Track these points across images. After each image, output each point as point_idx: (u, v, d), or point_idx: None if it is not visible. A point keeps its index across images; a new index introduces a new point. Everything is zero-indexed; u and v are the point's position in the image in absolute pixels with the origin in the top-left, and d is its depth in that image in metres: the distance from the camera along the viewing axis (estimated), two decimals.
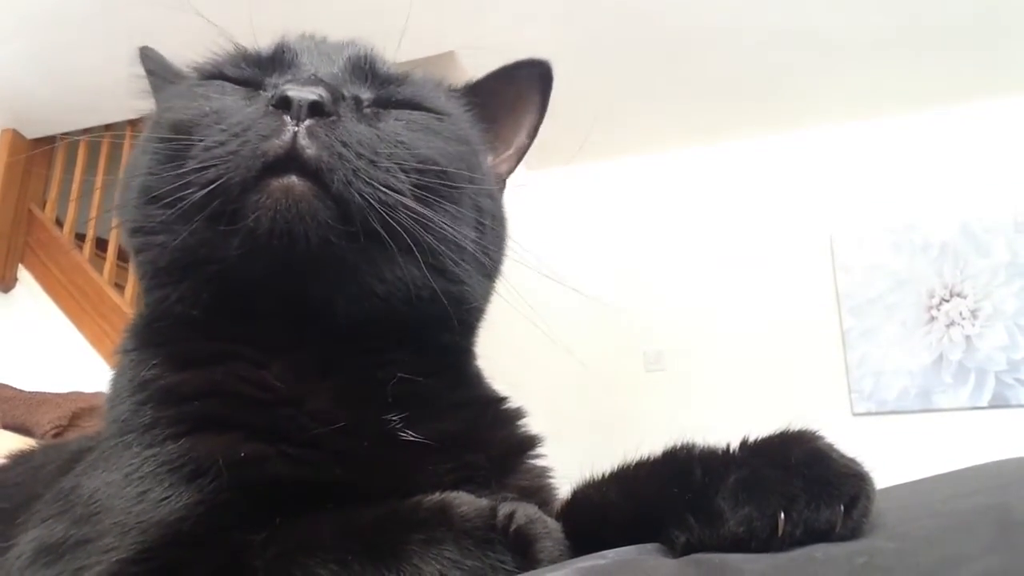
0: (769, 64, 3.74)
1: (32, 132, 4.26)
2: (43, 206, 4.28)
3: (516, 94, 0.81)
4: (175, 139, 0.59)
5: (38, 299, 4.02)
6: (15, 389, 2.44)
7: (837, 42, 3.55)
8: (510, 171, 0.81)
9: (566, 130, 4.05)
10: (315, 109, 0.57)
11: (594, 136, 4.23)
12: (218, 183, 0.55)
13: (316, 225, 0.56)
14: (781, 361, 4.06)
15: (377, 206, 0.57)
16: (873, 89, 3.96)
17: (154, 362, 0.61)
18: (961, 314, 3.94)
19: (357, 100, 0.64)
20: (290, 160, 0.56)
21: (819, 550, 0.40)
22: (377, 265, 0.59)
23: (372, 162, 0.58)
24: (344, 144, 0.57)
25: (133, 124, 4.05)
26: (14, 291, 4.14)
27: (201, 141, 0.58)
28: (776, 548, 0.41)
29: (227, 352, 0.60)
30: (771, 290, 4.23)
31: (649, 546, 0.46)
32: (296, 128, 0.56)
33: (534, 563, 0.47)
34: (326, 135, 0.56)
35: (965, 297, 3.95)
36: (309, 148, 0.56)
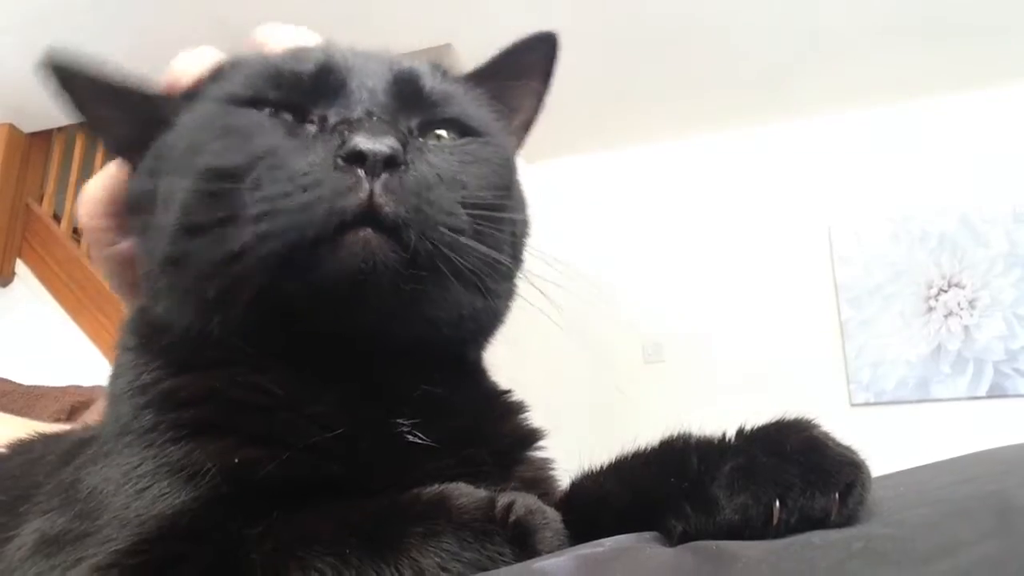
0: (767, 54, 3.74)
1: (29, 126, 4.25)
2: (40, 200, 4.28)
3: (523, 70, 0.80)
4: (223, 183, 0.58)
5: (36, 293, 4.02)
6: (13, 383, 2.44)
7: (836, 32, 3.54)
8: (520, 144, 0.81)
9: (563, 122, 4.06)
10: (389, 163, 0.56)
11: (591, 128, 4.23)
12: (287, 236, 0.54)
13: (388, 274, 0.55)
14: (779, 352, 4.07)
15: (445, 250, 0.57)
16: (872, 79, 3.96)
17: (155, 365, 0.61)
18: (959, 304, 3.95)
19: (410, 131, 0.63)
20: (367, 217, 0.55)
21: (816, 535, 0.40)
22: (433, 293, 0.60)
23: (441, 209, 0.58)
24: (417, 195, 0.56)
25: None
26: (12, 285, 4.14)
27: (258, 187, 0.56)
28: (772, 536, 0.41)
29: (226, 358, 0.60)
30: (769, 281, 4.24)
31: (647, 534, 0.46)
32: (372, 185, 0.55)
33: (534, 554, 0.47)
34: (401, 189, 0.56)
35: (963, 287, 3.96)
36: (387, 205, 0.55)
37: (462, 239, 0.58)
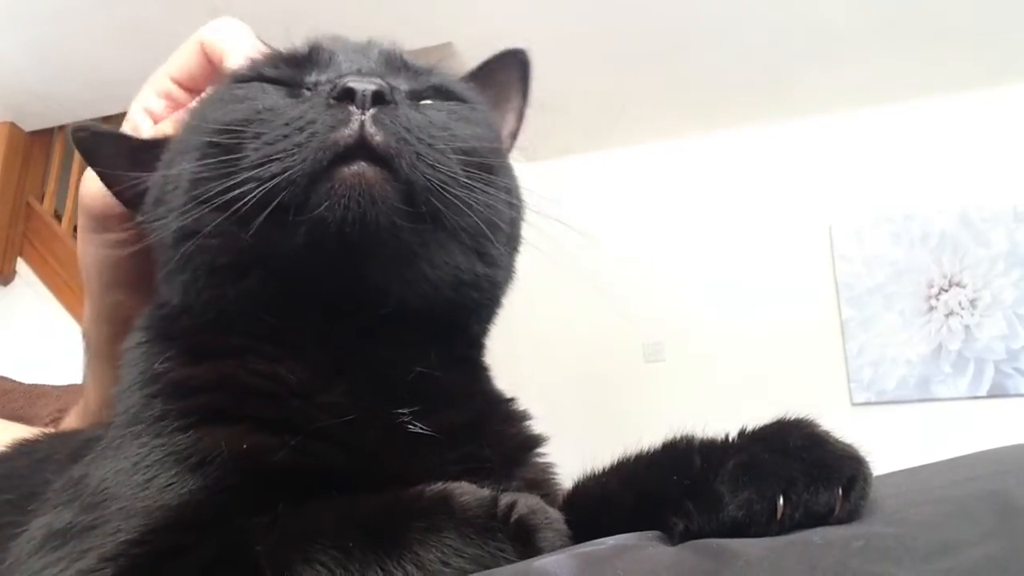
0: (769, 54, 3.74)
1: (30, 125, 4.26)
2: (41, 199, 4.28)
3: (503, 81, 0.83)
4: (226, 138, 0.60)
5: (36, 291, 4.03)
6: (13, 381, 2.44)
7: (837, 32, 3.54)
8: (508, 150, 0.83)
9: (563, 121, 4.06)
10: (378, 98, 0.58)
11: (590, 128, 4.23)
12: (283, 175, 0.56)
13: (387, 208, 0.57)
14: (780, 351, 4.07)
15: (438, 187, 0.59)
16: (873, 78, 3.96)
17: (167, 355, 0.62)
18: (960, 304, 3.95)
19: (398, 90, 0.65)
20: (359, 148, 0.57)
21: (817, 534, 0.40)
22: (432, 249, 0.61)
23: (430, 146, 0.60)
24: (406, 129, 0.59)
25: None
26: (12, 284, 4.14)
27: (258, 137, 0.59)
28: (775, 532, 0.42)
29: (241, 347, 0.61)
30: (770, 280, 4.24)
31: (648, 533, 0.46)
32: (363, 117, 0.57)
33: (536, 553, 0.47)
34: (391, 122, 0.58)
35: (964, 287, 3.96)
36: (377, 135, 0.57)
37: (456, 180, 0.60)
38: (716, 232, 4.42)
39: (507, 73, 0.83)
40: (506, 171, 0.70)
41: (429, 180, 0.58)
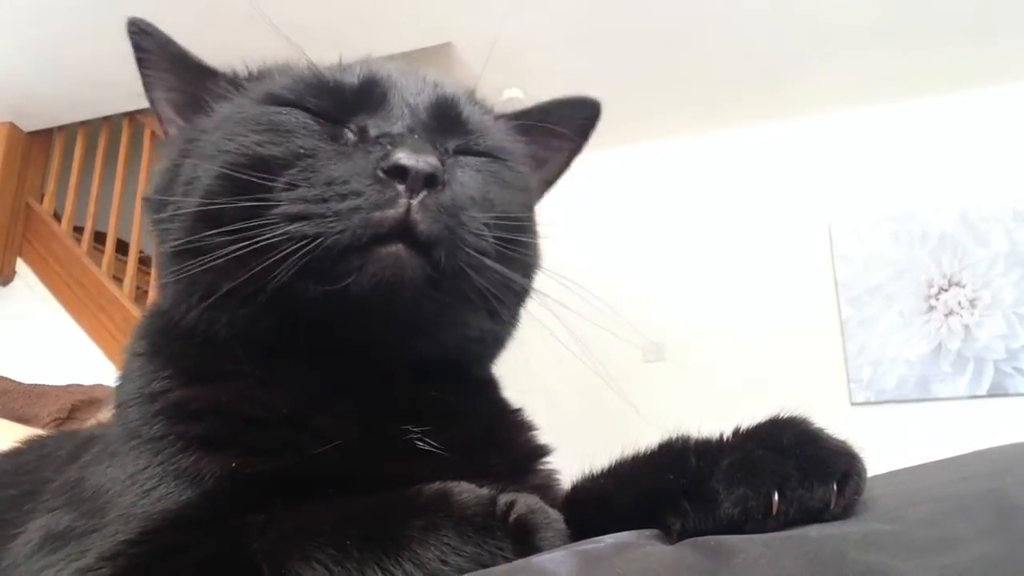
0: (768, 52, 3.73)
1: (29, 125, 4.25)
2: (41, 199, 4.27)
3: (560, 127, 0.81)
4: (258, 176, 0.57)
5: (36, 292, 4.02)
6: (14, 381, 2.44)
7: (836, 30, 3.54)
8: (538, 199, 0.82)
9: None
10: (429, 182, 0.56)
11: None
12: (318, 241, 0.54)
13: (413, 288, 0.56)
14: (780, 351, 4.06)
15: (470, 272, 0.58)
16: (872, 77, 3.95)
17: (165, 375, 0.62)
18: (960, 303, 3.94)
19: (447, 152, 0.64)
20: (401, 232, 0.55)
21: (814, 529, 0.40)
22: (448, 317, 0.61)
23: (471, 231, 0.58)
24: (451, 215, 0.57)
25: (131, 117, 4.06)
26: (12, 284, 4.14)
27: (294, 188, 0.56)
28: (771, 528, 0.42)
29: (233, 371, 0.60)
30: (769, 280, 4.23)
31: (647, 532, 0.46)
32: (411, 201, 0.55)
33: (535, 552, 0.47)
34: (436, 209, 0.56)
35: (964, 286, 3.95)
36: (422, 223, 0.55)
37: (487, 261, 0.59)
38: (715, 232, 4.41)
39: (571, 117, 0.81)
40: (532, 232, 0.69)
41: (462, 265, 0.57)
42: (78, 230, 4.03)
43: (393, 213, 0.55)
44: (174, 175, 0.65)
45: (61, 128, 4.34)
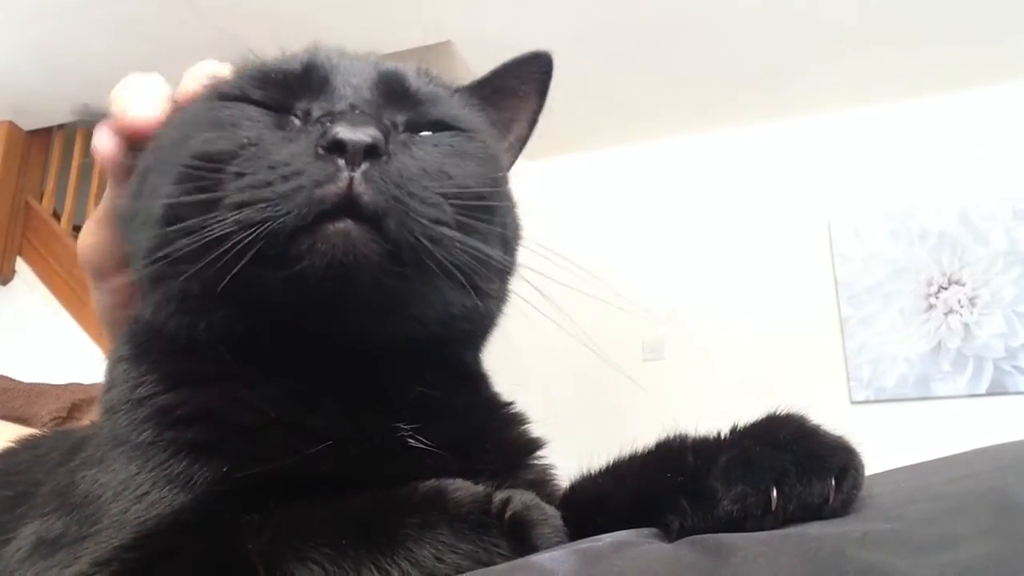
0: (767, 52, 3.74)
1: (29, 124, 4.25)
2: (40, 198, 4.28)
3: (518, 86, 0.81)
4: (207, 170, 0.57)
5: (36, 291, 4.03)
6: (13, 380, 2.44)
7: (836, 28, 3.54)
8: (513, 160, 0.82)
9: (563, 119, 4.06)
10: (370, 151, 0.55)
11: (589, 125, 4.22)
12: (265, 226, 0.54)
13: (369, 266, 0.55)
14: (779, 349, 4.06)
15: (427, 243, 0.56)
16: (872, 76, 3.96)
17: (150, 379, 0.61)
18: (959, 302, 3.95)
19: (395, 126, 0.63)
20: (346, 206, 0.54)
21: (814, 527, 0.40)
22: (419, 293, 0.60)
23: (423, 200, 0.57)
24: (397, 186, 0.56)
25: None
26: (12, 283, 4.14)
27: (240, 176, 0.56)
28: (770, 526, 0.42)
29: (217, 373, 0.60)
30: (769, 278, 4.24)
31: (646, 530, 0.46)
32: (352, 174, 0.54)
33: (532, 549, 0.47)
34: (381, 179, 0.55)
35: (963, 285, 3.96)
36: (365, 194, 0.54)
37: (446, 231, 0.58)
38: (715, 230, 4.41)
39: (527, 75, 0.80)
40: (502, 205, 0.68)
41: (417, 237, 0.56)
42: (77, 229, 4.02)
43: (335, 188, 0.54)
44: (140, 187, 0.65)
45: (60, 127, 4.34)
